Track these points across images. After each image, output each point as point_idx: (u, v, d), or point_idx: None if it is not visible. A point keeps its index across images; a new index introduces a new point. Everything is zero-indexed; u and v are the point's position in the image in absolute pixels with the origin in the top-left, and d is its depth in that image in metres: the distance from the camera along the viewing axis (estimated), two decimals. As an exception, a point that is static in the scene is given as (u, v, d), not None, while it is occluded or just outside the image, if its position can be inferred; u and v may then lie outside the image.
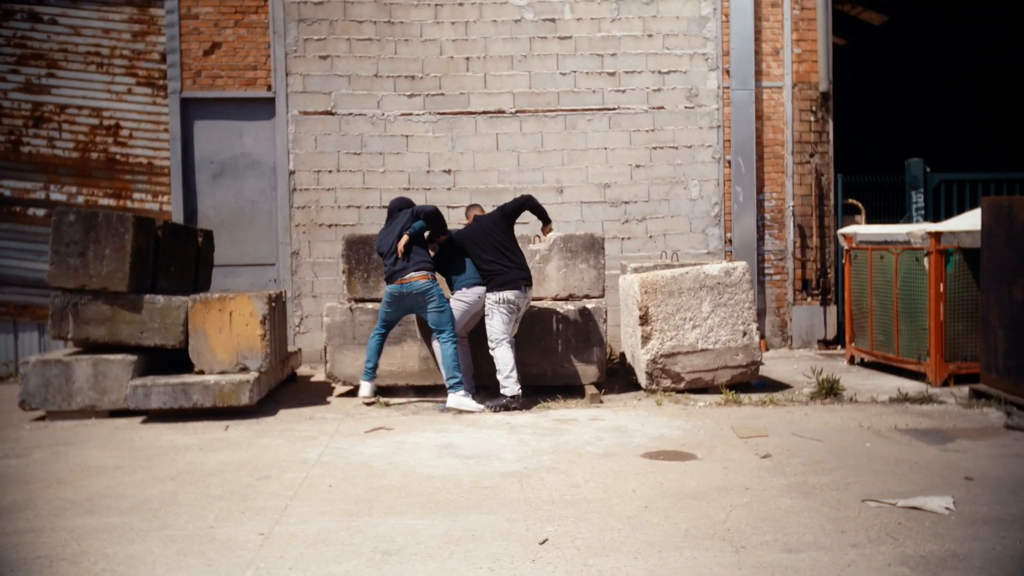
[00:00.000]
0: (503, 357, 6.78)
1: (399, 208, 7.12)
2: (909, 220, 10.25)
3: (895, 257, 8.08)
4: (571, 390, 7.36)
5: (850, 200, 10.62)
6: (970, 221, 7.77)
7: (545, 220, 7.16)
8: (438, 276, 7.05)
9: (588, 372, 7.41)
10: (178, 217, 9.54)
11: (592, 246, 7.79)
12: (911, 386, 7.45)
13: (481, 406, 6.71)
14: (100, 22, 9.57)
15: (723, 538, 3.86)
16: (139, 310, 6.84)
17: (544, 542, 3.84)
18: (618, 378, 8.05)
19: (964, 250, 7.59)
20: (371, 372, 7.01)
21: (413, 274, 6.75)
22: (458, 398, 6.65)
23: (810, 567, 3.52)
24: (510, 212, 7.07)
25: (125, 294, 6.81)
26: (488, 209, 7.91)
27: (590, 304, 7.53)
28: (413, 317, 7.19)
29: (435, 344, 6.99)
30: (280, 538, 3.94)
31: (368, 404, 6.98)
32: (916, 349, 7.81)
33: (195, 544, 3.87)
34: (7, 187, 9.49)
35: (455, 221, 9.57)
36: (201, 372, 6.76)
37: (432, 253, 7.04)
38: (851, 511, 4.21)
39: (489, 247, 6.89)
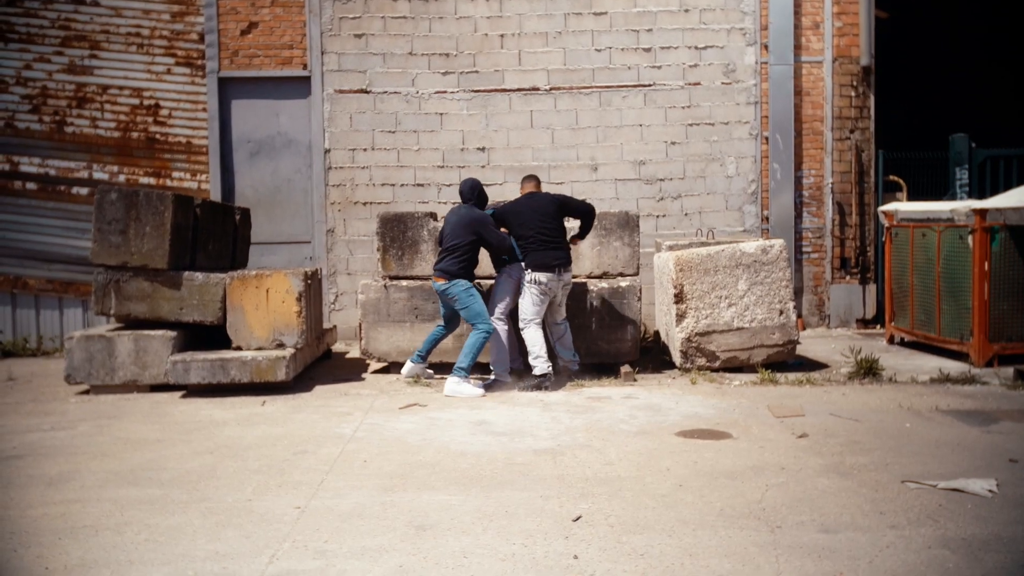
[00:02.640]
0: (532, 337, 6.74)
1: (465, 194, 7.00)
2: (953, 197, 9.96)
3: (938, 235, 7.86)
4: (605, 368, 7.31)
5: (891, 177, 10.35)
6: (1017, 198, 7.53)
7: (583, 235, 7.08)
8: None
9: (622, 350, 7.35)
10: (216, 195, 9.64)
11: (627, 224, 7.70)
12: (953, 366, 7.27)
13: (480, 390, 6.58)
14: (140, 3, 9.64)
15: (758, 518, 3.81)
16: (178, 287, 6.93)
17: (578, 519, 3.82)
18: (652, 356, 7.98)
19: (1010, 227, 7.36)
20: (417, 357, 7.07)
21: (435, 274, 6.79)
22: (452, 385, 6.57)
23: (847, 548, 3.45)
24: (569, 209, 6.94)
25: (165, 271, 6.90)
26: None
27: (624, 282, 7.45)
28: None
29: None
30: (316, 512, 3.97)
31: (409, 381, 7.04)
32: (959, 329, 7.61)
33: (234, 516, 3.92)
34: (52, 167, 9.65)
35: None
36: (239, 348, 6.83)
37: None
38: (890, 492, 4.12)
39: (530, 223, 6.75)
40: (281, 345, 6.87)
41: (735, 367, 7.21)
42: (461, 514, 3.91)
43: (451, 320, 7.02)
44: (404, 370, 7.10)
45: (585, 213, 6.97)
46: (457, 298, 6.70)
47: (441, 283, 6.74)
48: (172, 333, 6.84)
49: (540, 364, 6.70)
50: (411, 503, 4.07)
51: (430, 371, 7.18)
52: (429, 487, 4.31)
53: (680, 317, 7.15)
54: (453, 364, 6.78)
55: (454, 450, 5.00)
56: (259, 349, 6.82)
